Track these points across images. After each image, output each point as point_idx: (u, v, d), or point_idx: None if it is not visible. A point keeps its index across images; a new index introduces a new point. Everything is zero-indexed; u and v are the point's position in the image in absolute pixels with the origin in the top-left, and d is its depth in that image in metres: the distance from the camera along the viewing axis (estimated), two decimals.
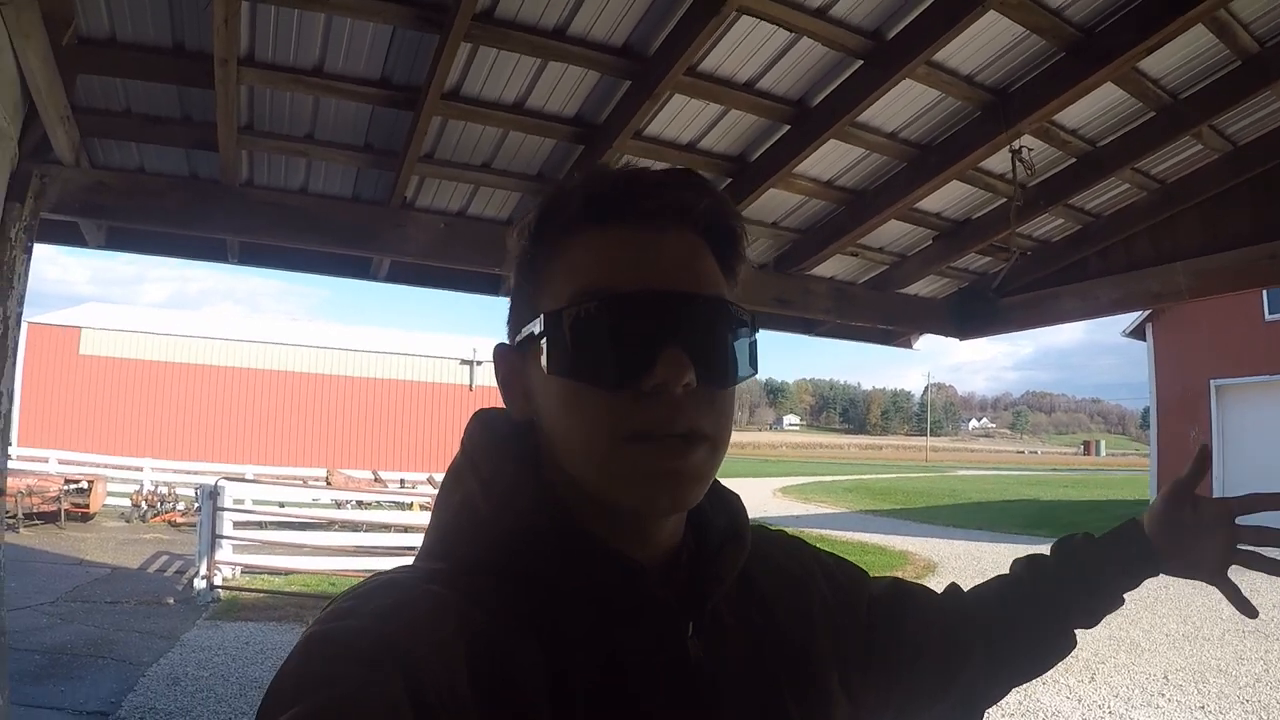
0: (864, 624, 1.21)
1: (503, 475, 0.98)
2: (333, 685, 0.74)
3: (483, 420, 1.07)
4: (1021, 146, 4.51)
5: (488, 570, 0.93)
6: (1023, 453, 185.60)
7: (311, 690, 0.74)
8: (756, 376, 1.01)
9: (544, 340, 0.93)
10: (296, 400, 29.37)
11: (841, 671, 1.14)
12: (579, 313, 0.90)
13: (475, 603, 0.87)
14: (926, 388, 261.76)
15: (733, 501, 1.13)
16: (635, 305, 0.90)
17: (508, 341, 1.03)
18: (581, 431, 0.91)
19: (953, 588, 1.48)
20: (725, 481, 1.13)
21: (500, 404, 1.07)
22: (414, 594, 0.87)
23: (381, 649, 0.78)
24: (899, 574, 14.80)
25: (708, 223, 0.97)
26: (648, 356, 0.87)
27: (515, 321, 1.01)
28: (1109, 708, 8.11)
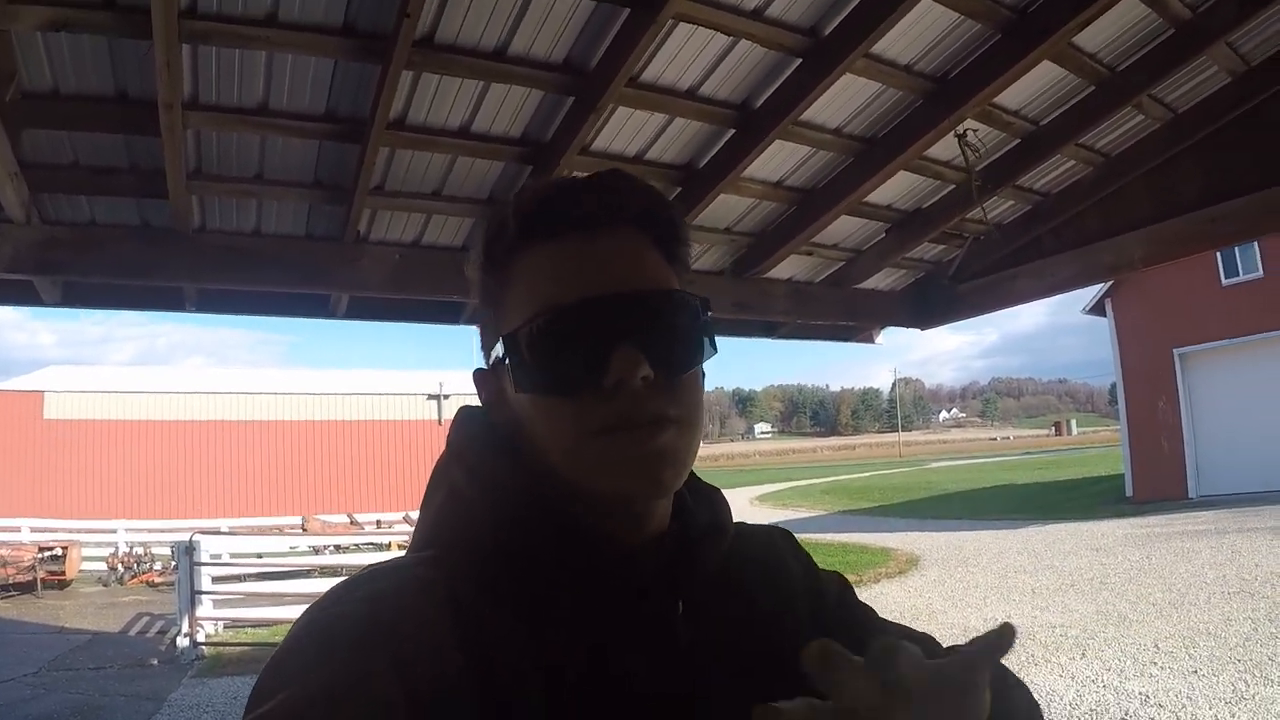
0: (834, 609, 1.22)
1: (488, 462, 1.00)
2: (321, 669, 0.76)
3: (467, 415, 1.10)
4: (966, 130, 4.57)
5: (476, 553, 0.94)
6: (995, 439, 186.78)
7: (300, 675, 0.76)
8: (718, 352, 1.04)
9: (506, 362, 0.98)
10: (267, 449, 29.09)
11: None
12: (531, 331, 0.95)
13: (463, 584, 0.89)
14: (894, 383, 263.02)
15: (714, 495, 1.15)
16: (581, 313, 0.94)
17: (485, 365, 1.07)
18: (557, 437, 0.95)
19: None
20: None
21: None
22: (402, 578, 0.90)
23: (370, 632, 0.80)
24: (883, 570, 14.80)
25: (641, 217, 1.01)
26: (602, 358, 0.91)
27: (486, 346, 1.06)
28: (1102, 681, 8.17)
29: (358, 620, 0.82)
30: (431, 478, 1.07)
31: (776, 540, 1.27)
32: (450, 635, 0.82)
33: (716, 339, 1.03)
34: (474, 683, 0.81)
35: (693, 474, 1.14)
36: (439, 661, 0.80)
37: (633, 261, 0.98)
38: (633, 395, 0.91)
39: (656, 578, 0.99)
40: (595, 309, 0.93)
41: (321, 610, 0.85)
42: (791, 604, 1.16)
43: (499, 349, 1.00)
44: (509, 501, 0.96)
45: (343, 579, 0.91)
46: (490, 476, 0.99)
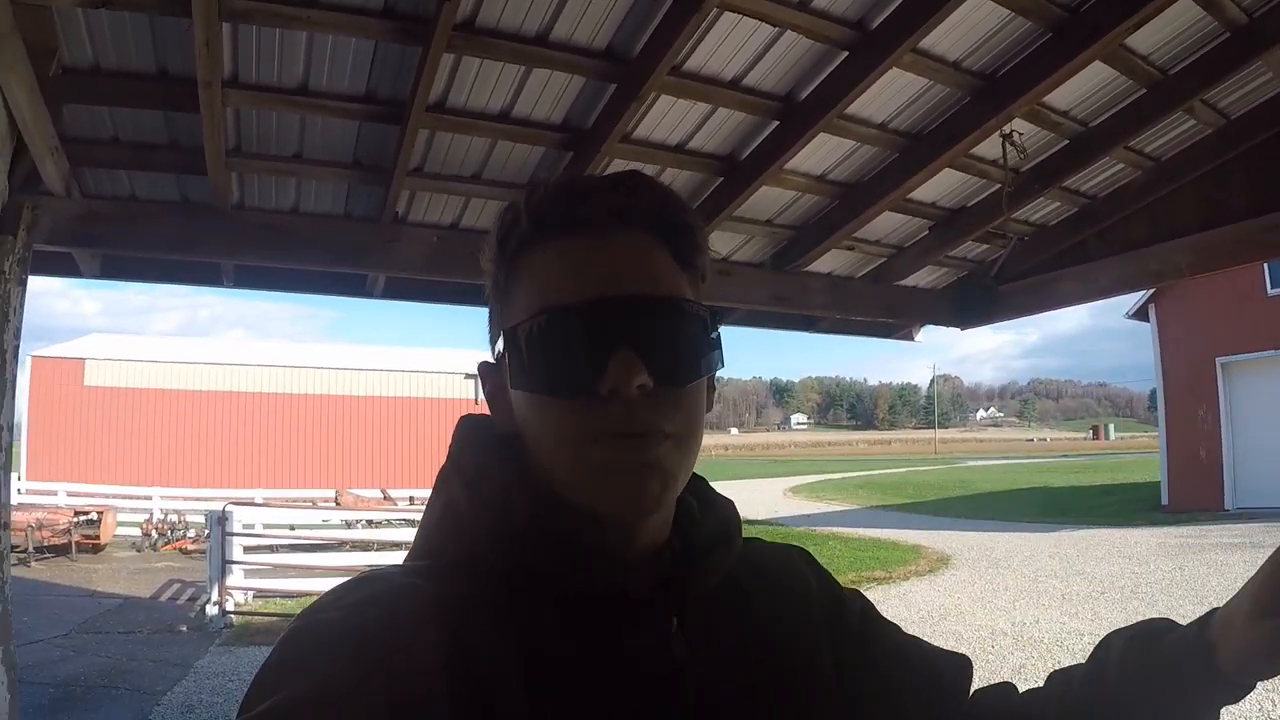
0: (856, 633, 1.19)
1: (486, 476, 0.99)
2: (310, 674, 0.76)
3: (469, 425, 1.09)
4: (1012, 131, 4.49)
5: (469, 566, 0.94)
6: (1032, 440, 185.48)
7: (290, 680, 0.76)
8: (724, 367, 1.04)
9: (506, 357, 0.97)
10: (303, 422, 29.43)
11: (838, 674, 1.12)
12: (531, 328, 0.94)
13: (453, 595, 0.88)
14: (933, 380, 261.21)
15: (725, 507, 1.13)
16: (583, 314, 0.92)
17: (490, 359, 1.06)
18: (548, 439, 0.94)
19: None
20: (735, 484, 1.14)
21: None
22: (391, 586, 0.89)
23: (357, 638, 0.80)
24: (913, 568, 14.75)
25: (655, 221, 0.99)
26: (600, 362, 0.90)
27: (492, 339, 1.05)
28: None
29: (346, 628, 0.82)
30: (434, 485, 1.05)
31: (794, 557, 1.24)
32: (438, 647, 0.82)
33: (732, 337, 1.02)
34: (459, 696, 0.80)
35: (705, 483, 1.13)
36: (425, 672, 0.79)
37: (642, 265, 0.96)
38: (627, 404, 0.89)
39: (652, 593, 0.97)
40: (597, 311, 0.92)
41: (311, 615, 0.85)
42: (808, 621, 1.14)
43: (500, 344, 0.99)
44: (504, 518, 0.95)
45: (332, 588, 0.91)
46: (486, 491, 0.98)
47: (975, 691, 1.25)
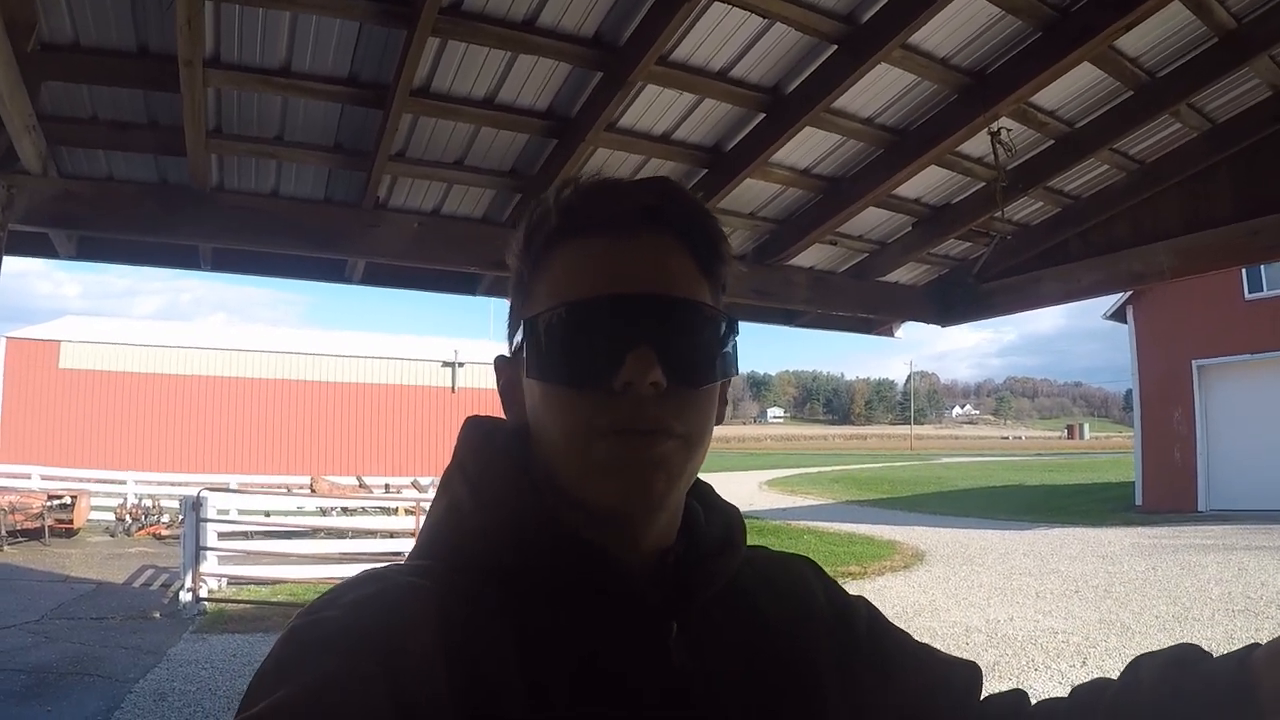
0: (864, 641, 1.18)
1: (490, 476, 0.99)
2: (310, 672, 0.76)
3: (474, 426, 1.09)
4: (1000, 128, 4.48)
5: (470, 566, 0.94)
6: (1007, 438, 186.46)
7: (290, 678, 0.76)
8: (738, 375, 1.05)
9: (524, 348, 0.97)
10: (280, 408, 29.26)
11: (844, 682, 1.11)
12: (551, 318, 0.95)
13: (455, 595, 0.88)
14: (910, 376, 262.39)
15: (730, 514, 1.14)
16: (604, 308, 0.93)
17: (508, 354, 1.06)
18: (557, 429, 0.94)
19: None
20: (711, 476, 1.15)
21: (490, 413, 1.11)
22: (392, 585, 0.89)
23: (357, 636, 0.80)
24: (887, 563, 14.79)
25: (680, 225, 0.99)
26: (616, 357, 0.90)
27: (510, 333, 1.05)
28: None
29: (346, 626, 0.82)
30: (439, 485, 1.06)
31: (800, 566, 1.23)
32: (438, 646, 0.82)
33: (739, 346, 1.03)
34: (460, 696, 0.80)
35: (710, 489, 1.15)
36: (425, 671, 0.79)
37: (665, 267, 0.96)
38: (639, 400, 0.90)
39: (654, 596, 0.97)
40: (617, 306, 0.92)
41: (311, 614, 0.85)
42: (813, 629, 1.13)
43: (519, 334, 0.99)
44: (507, 517, 0.95)
45: (333, 587, 0.90)
46: (489, 491, 0.98)
47: (986, 697, 1.24)
